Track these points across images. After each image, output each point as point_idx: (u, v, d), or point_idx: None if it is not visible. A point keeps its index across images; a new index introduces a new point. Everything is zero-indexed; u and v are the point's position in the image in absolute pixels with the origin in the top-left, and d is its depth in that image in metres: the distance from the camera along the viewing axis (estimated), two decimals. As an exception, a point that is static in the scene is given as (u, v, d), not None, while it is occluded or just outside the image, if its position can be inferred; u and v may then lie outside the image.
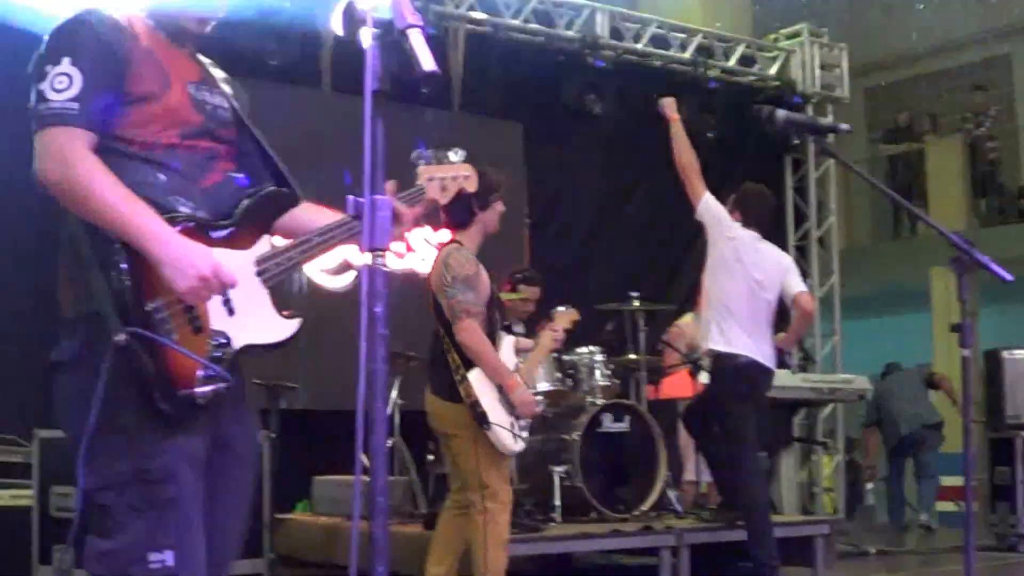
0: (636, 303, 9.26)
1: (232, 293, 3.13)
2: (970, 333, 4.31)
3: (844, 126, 5.12)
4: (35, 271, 8.74)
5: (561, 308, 7.15)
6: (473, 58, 10.98)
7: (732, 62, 12.69)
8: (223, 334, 3.12)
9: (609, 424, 8.43)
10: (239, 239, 3.21)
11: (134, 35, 3.15)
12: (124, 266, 2.95)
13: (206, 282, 2.99)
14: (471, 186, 3.91)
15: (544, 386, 8.02)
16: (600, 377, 8.57)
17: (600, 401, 8.46)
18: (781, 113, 4.57)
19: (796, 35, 13.40)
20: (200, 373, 3.02)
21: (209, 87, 3.32)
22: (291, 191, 3.34)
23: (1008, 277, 4.35)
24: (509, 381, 6.18)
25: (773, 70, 13.04)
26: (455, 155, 3.90)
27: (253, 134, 3.39)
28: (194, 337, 3.05)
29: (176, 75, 3.21)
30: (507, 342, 6.38)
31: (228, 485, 3.28)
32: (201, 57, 3.39)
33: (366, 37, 2.53)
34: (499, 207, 6.40)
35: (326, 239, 3.29)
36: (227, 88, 3.39)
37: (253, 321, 3.22)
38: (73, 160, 2.97)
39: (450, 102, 10.75)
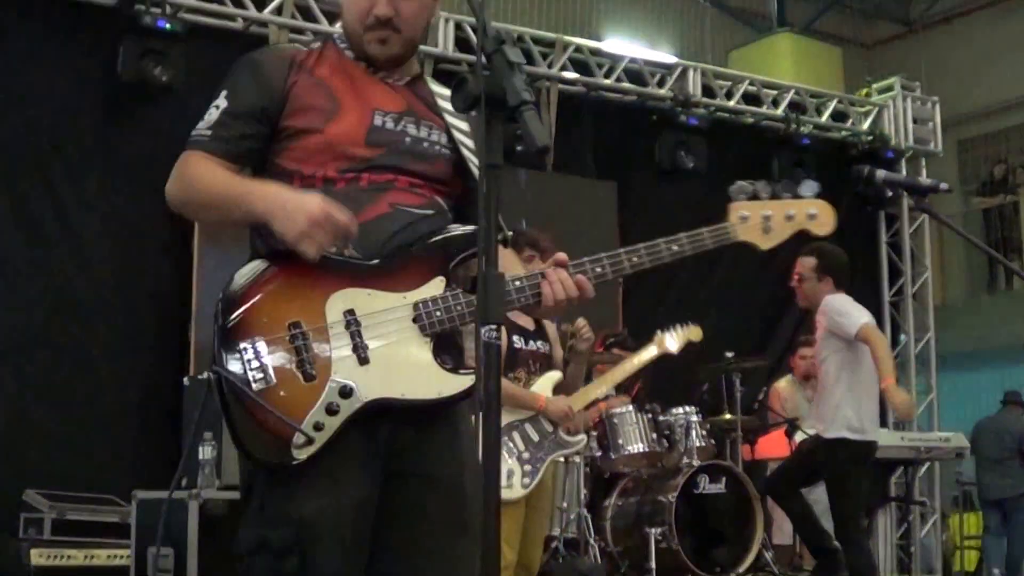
0: (732, 363, 9.22)
1: (373, 342, 2.91)
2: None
3: (943, 185, 5.07)
4: (134, 335, 8.94)
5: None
6: (566, 118, 11.02)
7: (824, 118, 12.64)
8: (346, 385, 2.87)
9: (705, 485, 8.36)
10: (391, 278, 2.99)
11: (307, 68, 3.13)
12: (222, 295, 2.91)
13: (318, 226, 2.83)
14: (820, 228, 3.38)
15: (640, 447, 8.01)
16: (696, 438, 8.52)
17: (696, 462, 8.41)
18: (880, 173, 4.57)
19: (888, 89, 13.32)
20: (295, 436, 2.82)
21: (416, 118, 3.18)
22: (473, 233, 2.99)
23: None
24: (538, 402, 6.21)
25: (866, 125, 12.97)
26: (806, 188, 3.50)
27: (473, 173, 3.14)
28: (303, 386, 2.85)
29: (356, 105, 3.13)
30: (544, 380, 6.37)
31: (423, 523, 3.02)
32: (434, 86, 3.29)
33: (481, 114, 2.55)
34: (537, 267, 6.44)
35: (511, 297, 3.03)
36: (457, 121, 3.22)
37: (398, 373, 2.93)
38: (184, 170, 3.03)
39: (544, 163, 10.79)
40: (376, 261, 3.00)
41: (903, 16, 21.74)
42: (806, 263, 7.80)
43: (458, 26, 10.40)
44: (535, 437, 6.15)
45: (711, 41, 18.56)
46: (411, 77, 3.25)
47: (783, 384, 10.25)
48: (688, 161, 11.50)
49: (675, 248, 3.18)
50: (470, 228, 3.03)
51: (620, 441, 8.14)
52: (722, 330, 11.11)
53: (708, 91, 11.95)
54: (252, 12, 9.51)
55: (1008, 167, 19.13)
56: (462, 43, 10.36)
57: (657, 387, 9.06)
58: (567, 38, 11.26)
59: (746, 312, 12.06)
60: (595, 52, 11.53)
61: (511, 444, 6.07)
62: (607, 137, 11.44)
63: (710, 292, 11.90)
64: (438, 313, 2.97)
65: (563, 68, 11.12)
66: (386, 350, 2.93)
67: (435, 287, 3.00)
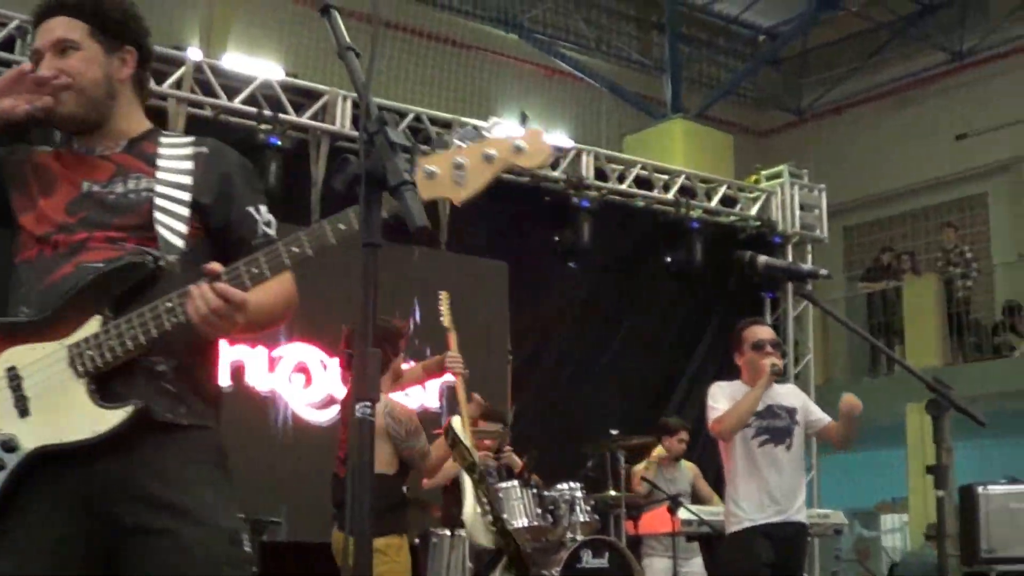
0: (616, 440, 9.34)
1: (32, 391, 2.98)
2: (945, 475, 4.40)
3: (823, 271, 5.24)
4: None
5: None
6: (460, 197, 11.11)
7: (714, 202, 12.90)
8: (7, 439, 2.95)
9: (588, 560, 8.45)
10: (52, 328, 3.03)
11: (32, 158, 3.27)
12: None
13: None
14: (531, 160, 2.91)
15: (524, 522, 8.07)
16: (580, 513, 8.62)
17: (579, 537, 8.50)
18: (762, 259, 4.70)
19: (777, 176, 13.62)
20: None
21: (125, 175, 3.22)
22: (146, 262, 3.05)
23: (983, 422, 4.47)
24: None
25: (754, 210, 13.24)
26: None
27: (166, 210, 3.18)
28: None
29: (61, 181, 3.23)
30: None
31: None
32: (163, 138, 3.35)
33: (360, 193, 2.63)
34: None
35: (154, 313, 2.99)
36: (174, 176, 3.23)
37: (57, 419, 2.97)
38: None
39: (437, 241, 10.90)
40: (41, 316, 3.05)
41: (795, 105, 22.27)
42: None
43: (355, 104, 10.51)
44: None
45: (607, 126, 18.89)
46: (129, 140, 3.31)
47: (644, 465, 10.30)
48: (579, 242, 11.65)
49: (342, 227, 2.91)
50: (121, 262, 3.05)
51: (505, 516, 8.20)
52: (607, 407, 11.29)
53: (601, 174, 12.15)
54: (152, 85, 9.55)
55: (894, 254, 19.56)
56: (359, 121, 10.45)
57: (542, 463, 9.15)
58: (463, 119, 11.41)
59: (633, 390, 12.20)
60: (488, 133, 11.67)
61: None
62: (500, 217, 11.56)
63: (599, 369, 12.05)
64: (90, 352, 2.98)
65: (459, 149, 11.24)
66: (45, 398, 2.97)
67: (92, 327, 3.02)
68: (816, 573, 13.24)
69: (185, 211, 3.14)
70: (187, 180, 3.18)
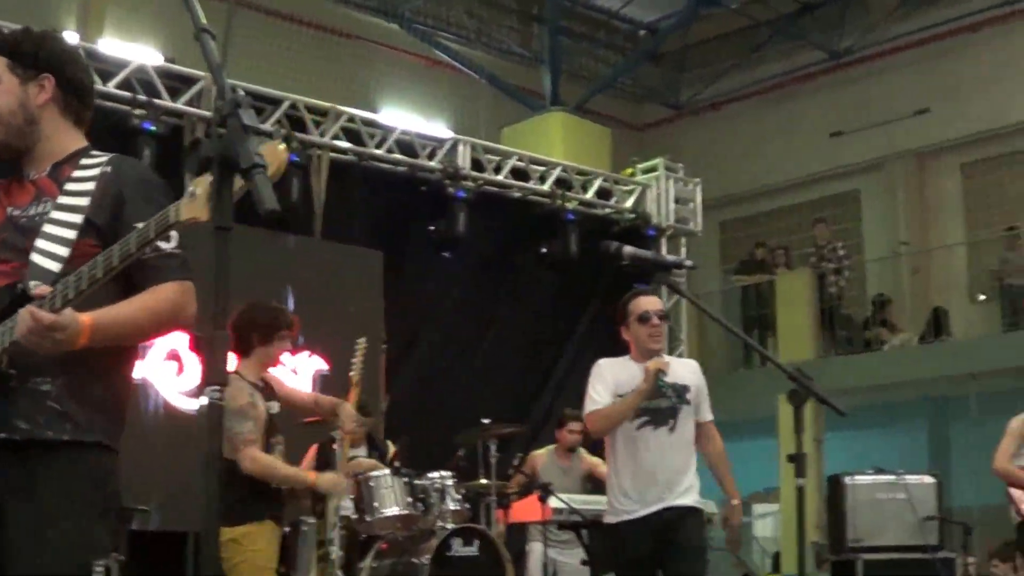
0: (488, 429, 9.36)
1: None
2: (805, 464, 4.48)
3: (687, 262, 5.32)
4: None
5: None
6: (336, 186, 11.11)
7: (589, 194, 12.99)
8: None
9: (458, 548, 8.46)
10: None
11: None
12: None
13: None
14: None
15: (395, 510, 8.07)
16: (450, 501, 8.63)
17: (450, 525, 8.52)
18: (627, 249, 4.75)
19: (653, 169, 13.75)
20: None
21: (40, 199, 3.42)
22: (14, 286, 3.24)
23: (843, 412, 4.56)
24: (308, 479, 6.52)
25: (629, 203, 13.35)
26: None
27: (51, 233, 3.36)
28: None
29: (2, 207, 3.45)
30: None
31: None
32: (85, 159, 3.49)
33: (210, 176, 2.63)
34: (284, 345, 6.57)
35: None
36: (76, 200, 3.39)
37: None
38: None
39: (312, 229, 10.85)
40: None
41: (674, 100, 22.46)
42: None
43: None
44: None
45: (485, 117, 18.92)
46: (53, 164, 3.49)
47: (542, 453, 10.41)
48: (455, 233, 11.67)
49: (135, 240, 3.04)
50: None
51: (376, 504, 8.17)
52: (482, 397, 11.31)
53: (477, 165, 12.19)
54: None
55: (767, 248, 19.83)
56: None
57: (414, 452, 9.16)
58: (340, 107, 11.39)
59: (508, 380, 12.24)
60: (368, 123, 11.68)
61: None
62: (376, 206, 11.57)
63: (474, 358, 12.08)
64: None
65: (336, 137, 11.23)
66: None
67: None
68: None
69: (71, 234, 3.30)
70: (85, 202, 3.35)
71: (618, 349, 6.89)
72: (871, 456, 12.97)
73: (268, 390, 6.47)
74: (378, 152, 11.55)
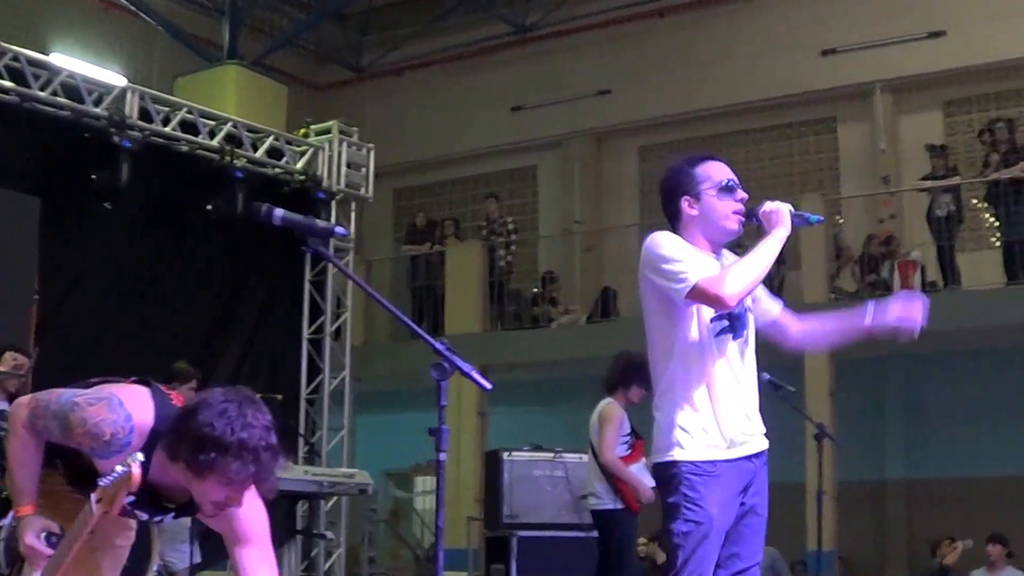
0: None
1: None
2: (445, 438, 4.52)
3: (340, 229, 5.28)
4: None
5: None
6: (-3, 127, 10.67)
7: (260, 153, 12.76)
8: None
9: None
10: None
11: None
12: None
13: None
14: None
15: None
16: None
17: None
18: (278, 212, 4.68)
19: (327, 131, 13.63)
20: None
21: None
22: None
23: (488, 386, 4.59)
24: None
25: (300, 164, 13.19)
26: None
27: None
28: None
29: None
30: None
31: None
32: None
33: None
34: None
35: None
36: None
37: None
38: None
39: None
40: None
41: (355, 62, 22.37)
42: None
43: None
44: None
45: (160, 66, 18.45)
46: None
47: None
48: (118, 183, 11.30)
49: None
50: None
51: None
52: (141, 354, 11.04)
53: (146, 115, 11.84)
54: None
55: (436, 218, 19.98)
56: None
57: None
58: (3, 44, 10.92)
59: (171, 337, 11.96)
60: (33, 63, 11.19)
61: None
62: (36, 150, 11.13)
63: (135, 314, 11.76)
64: None
65: (-1, 76, 10.78)
66: None
67: None
68: (343, 531, 13.39)
69: None
70: None
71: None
72: (535, 433, 13.21)
73: None
74: (42, 95, 11.10)
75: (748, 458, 4.93)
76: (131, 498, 4.06)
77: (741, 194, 5.00)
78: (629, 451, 9.11)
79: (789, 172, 19.02)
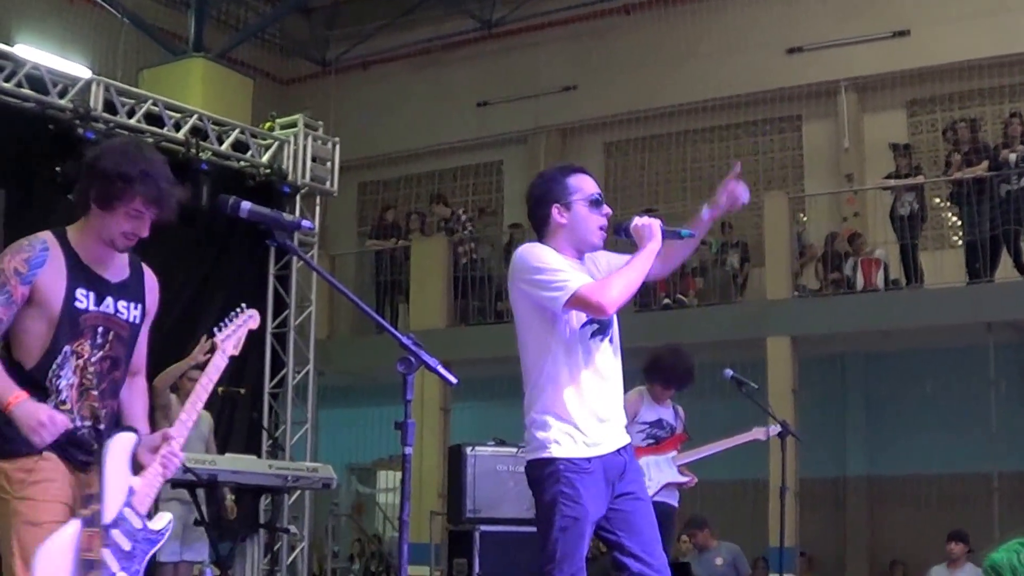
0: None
1: None
2: (411, 432, 4.52)
3: (306, 223, 5.30)
4: None
5: None
6: (-43, 119, 10.61)
7: (225, 146, 12.73)
8: None
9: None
10: None
11: None
12: None
13: None
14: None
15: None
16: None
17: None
18: (245, 205, 4.68)
19: (292, 125, 13.61)
20: None
21: None
22: None
23: (453, 381, 4.61)
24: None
25: (265, 157, 13.16)
26: None
27: None
28: None
29: None
30: None
31: None
32: None
33: None
34: None
35: None
36: None
37: None
38: None
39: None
40: None
41: (321, 56, 22.33)
42: None
43: None
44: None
45: (125, 58, 18.32)
46: None
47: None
48: (80, 175, 11.23)
49: None
50: None
51: None
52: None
53: (111, 107, 11.79)
54: None
55: (401, 213, 19.96)
56: None
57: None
58: (-30, 41, 10.87)
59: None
60: (-2, 54, 11.17)
61: None
62: (2, 143, 11.05)
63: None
64: None
65: (-38, 67, 10.72)
66: None
67: None
68: (306, 525, 13.39)
69: None
70: None
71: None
72: (499, 428, 13.22)
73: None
74: (6, 86, 11.04)
75: (616, 452, 5.14)
76: (67, 279, 4.70)
77: (606, 209, 5.23)
78: (650, 442, 9.15)
79: (754, 169, 19.02)
